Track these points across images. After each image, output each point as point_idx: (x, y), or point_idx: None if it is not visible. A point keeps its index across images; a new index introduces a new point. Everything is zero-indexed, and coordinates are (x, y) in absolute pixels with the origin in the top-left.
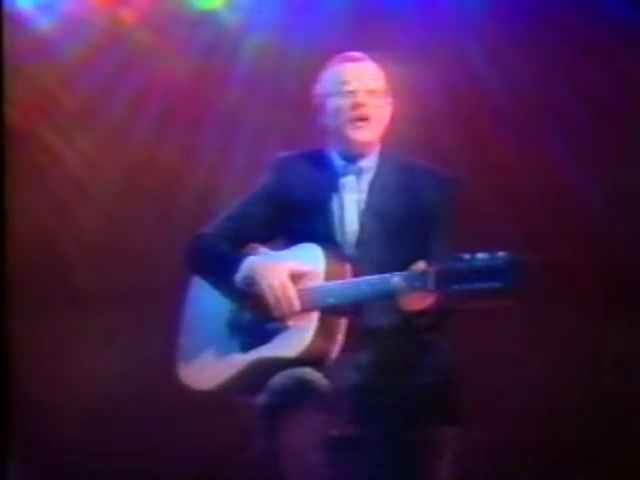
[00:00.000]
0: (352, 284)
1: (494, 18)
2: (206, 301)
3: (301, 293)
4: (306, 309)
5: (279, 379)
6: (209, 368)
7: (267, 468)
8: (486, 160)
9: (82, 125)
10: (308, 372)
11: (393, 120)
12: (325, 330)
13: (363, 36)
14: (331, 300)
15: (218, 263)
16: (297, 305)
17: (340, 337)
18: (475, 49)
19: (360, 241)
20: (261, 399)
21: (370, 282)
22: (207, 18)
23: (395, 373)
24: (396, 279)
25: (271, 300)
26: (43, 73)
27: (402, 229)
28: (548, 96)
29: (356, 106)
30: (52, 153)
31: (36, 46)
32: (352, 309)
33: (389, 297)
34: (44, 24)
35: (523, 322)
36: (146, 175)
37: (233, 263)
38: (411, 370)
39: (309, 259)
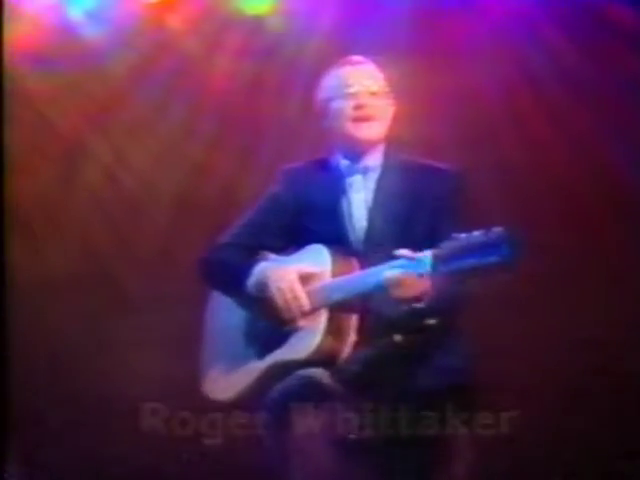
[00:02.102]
0: (356, 277)
1: (550, 18)
2: (222, 313)
3: (310, 293)
4: (316, 308)
5: (288, 380)
6: (227, 378)
7: (276, 468)
8: (539, 159)
9: (135, 139)
10: (317, 372)
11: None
12: (334, 330)
13: (419, 37)
14: (337, 295)
15: (230, 271)
16: (306, 305)
17: (351, 336)
18: (531, 49)
19: (368, 238)
20: (270, 400)
21: (371, 273)
22: (258, 23)
23: (406, 372)
24: (395, 265)
25: (280, 302)
26: (94, 83)
27: (409, 224)
28: (601, 94)
29: (359, 107)
30: (103, 166)
31: (86, 55)
32: (362, 307)
33: (391, 285)
34: (94, 33)
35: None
36: (200, 189)
37: (245, 270)
38: (423, 369)
39: (316, 260)
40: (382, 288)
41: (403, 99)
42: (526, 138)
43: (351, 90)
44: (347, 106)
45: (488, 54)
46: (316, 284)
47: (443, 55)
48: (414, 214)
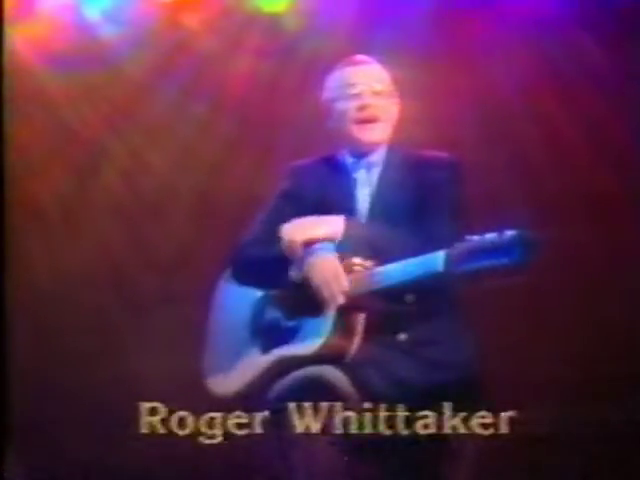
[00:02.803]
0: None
1: (572, 15)
2: (229, 308)
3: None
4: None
5: (292, 378)
6: (233, 373)
7: (277, 468)
8: (560, 157)
9: (153, 139)
10: (323, 370)
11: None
12: (341, 327)
13: (439, 36)
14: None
15: (270, 263)
16: (347, 286)
17: (358, 334)
18: (553, 47)
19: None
20: (274, 397)
21: (381, 271)
22: (276, 22)
23: (413, 369)
24: (408, 264)
25: (323, 284)
26: (111, 84)
27: (412, 217)
28: (625, 92)
29: (362, 108)
30: (121, 167)
31: (103, 55)
32: (369, 305)
33: (402, 282)
34: (110, 33)
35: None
36: (218, 190)
37: (284, 261)
38: (431, 366)
39: None
40: (399, 284)
41: (422, 98)
42: (547, 136)
43: (354, 91)
44: (351, 107)
45: (509, 52)
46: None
47: (463, 53)
48: (415, 207)
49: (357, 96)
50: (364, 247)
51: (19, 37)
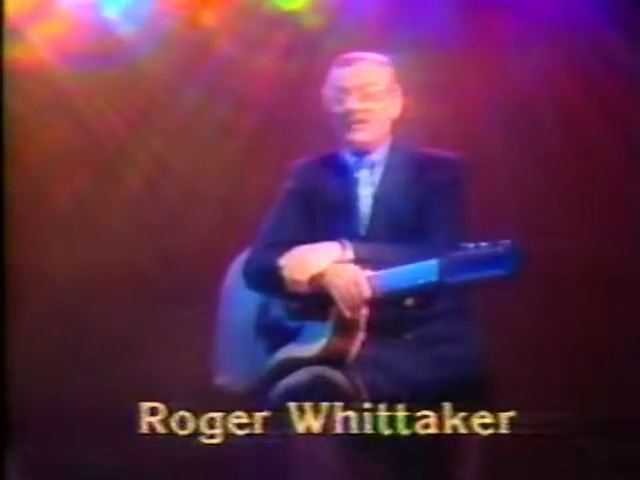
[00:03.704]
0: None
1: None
2: (235, 305)
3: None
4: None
5: (294, 377)
6: (239, 372)
7: (278, 468)
8: (586, 154)
9: (173, 140)
10: (325, 370)
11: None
12: (343, 328)
13: (465, 33)
14: None
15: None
16: (368, 292)
17: (359, 334)
18: (583, 45)
19: (371, 235)
20: (275, 397)
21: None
22: (297, 19)
23: (417, 369)
24: (403, 271)
25: (343, 289)
26: (130, 84)
27: (413, 218)
28: None
29: (351, 112)
30: (140, 167)
31: (122, 55)
32: (370, 307)
33: (398, 290)
34: (130, 32)
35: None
36: (240, 195)
37: None
38: (435, 365)
39: None
40: (395, 292)
41: (447, 95)
42: (574, 134)
43: (345, 94)
44: (340, 110)
45: (536, 49)
46: None
47: (487, 50)
48: (416, 208)
49: (346, 100)
50: (363, 265)
51: (37, 36)
